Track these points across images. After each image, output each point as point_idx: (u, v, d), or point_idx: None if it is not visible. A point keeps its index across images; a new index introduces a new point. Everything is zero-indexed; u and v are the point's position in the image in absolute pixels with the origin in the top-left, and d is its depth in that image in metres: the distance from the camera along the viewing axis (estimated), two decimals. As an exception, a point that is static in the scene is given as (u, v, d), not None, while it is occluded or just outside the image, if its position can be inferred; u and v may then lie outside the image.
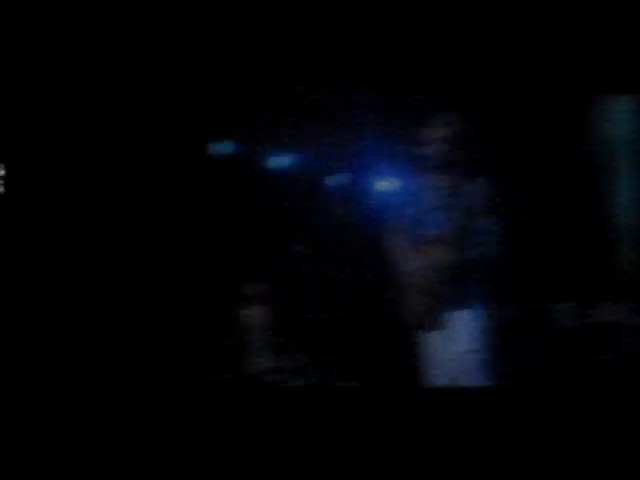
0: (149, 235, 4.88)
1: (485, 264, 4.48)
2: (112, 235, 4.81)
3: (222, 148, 4.96)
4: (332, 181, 4.93)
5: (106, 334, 4.71)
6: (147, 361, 4.74)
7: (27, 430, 4.62)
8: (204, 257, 4.91)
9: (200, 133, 4.96)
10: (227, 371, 4.86)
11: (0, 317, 4.67)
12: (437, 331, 4.56)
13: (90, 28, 4.74)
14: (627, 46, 4.50)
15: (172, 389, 4.75)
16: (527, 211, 4.79)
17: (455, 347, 4.52)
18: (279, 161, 4.99)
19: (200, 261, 4.92)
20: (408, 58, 4.59)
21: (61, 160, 4.80)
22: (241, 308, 5.01)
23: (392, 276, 4.69)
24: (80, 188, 4.77)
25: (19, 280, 4.71)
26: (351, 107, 4.86)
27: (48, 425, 4.63)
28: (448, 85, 4.54)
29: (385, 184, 4.84)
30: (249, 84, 4.88)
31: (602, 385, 4.69)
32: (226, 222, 4.95)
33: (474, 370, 4.52)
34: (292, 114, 4.90)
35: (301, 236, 4.85)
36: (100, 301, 4.75)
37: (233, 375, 4.87)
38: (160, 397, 4.73)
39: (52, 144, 4.81)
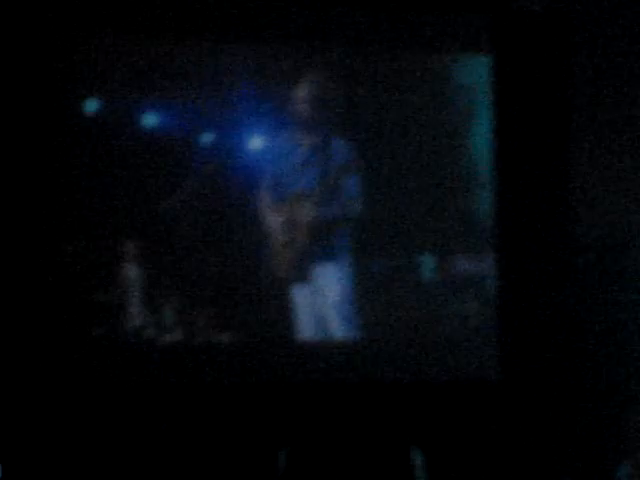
0: (21, 192, 4.86)
1: (349, 220, 4.63)
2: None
3: (85, 107, 4.93)
4: (199, 139, 4.96)
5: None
6: (21, 319, 4.75)
7: None
8: (76, 215, 4.92)
9: (62, 91, 4.93)
10: (100, 327, 4.90)
11: None
12: (304, 285, 4.70)
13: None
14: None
15: (47, 345, 4.77)
16: (386, 169, 4.94)
17: (321, 300, 4.67)
18: (145, 120, 4.98)
19: (72, 219, 4.92)
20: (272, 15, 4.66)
21: None
22: (114, 265, 5.02)
23: (261, 232, 4.80)
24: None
25: None
26: (218, 65, 4.89)
27: None
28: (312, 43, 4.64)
29: (252, 142, 4.91)
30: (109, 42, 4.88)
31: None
32: (95, 180, 4.96)
33: (339, 321, 4.68)
34: (156, 73, 4.89)
35: (169, 194, 4.88)
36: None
37: (106, 331, 4.90)
38: (35, 354, 4.75)
39: None
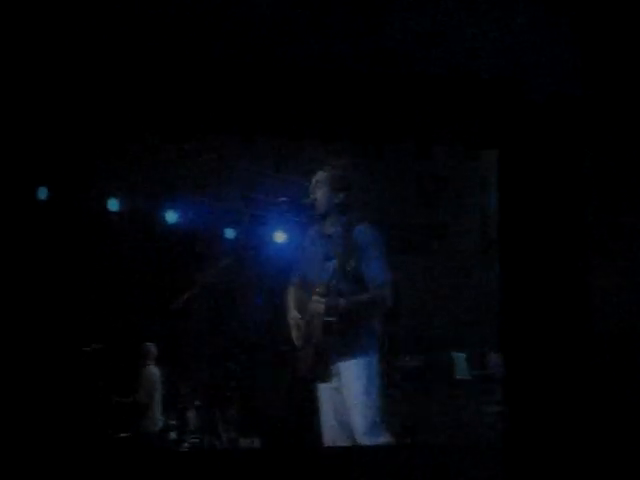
0: (45, 293, 4.82)
1: (378, 311, 4.38)
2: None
3: (113, 205, 4.94)
4: (222, 235, 4.89)
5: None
6: (44, 420, 4.65)
7: None
8: (98, 316, 4.86)
9: (93, 189, 4.95)
10: (124, 430, 4.78)
11: None
12: (332, 383, 4.45)
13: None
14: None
15: (70, 447, 4.65)
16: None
17: (349, 399, 4.40)
18: (170, 217, 4.95)
19: (95, 320, 4.86)
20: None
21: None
22: (138, 367, 4.92)
23: (285, 329, 4.62)
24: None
25: None
26: (238, 162, 4.86)
27: None
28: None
29: (276, 236, 4.83)
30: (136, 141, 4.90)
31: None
32: (118, 279, 4.92)
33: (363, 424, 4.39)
34: (181, 169, 4.88)
35: (193, 293, 4.78)
36: None
37: (130, 434, 4.78)
38: (58, 455, 4.63)
39: None
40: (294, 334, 4.35)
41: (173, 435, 4.85)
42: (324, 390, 4.32)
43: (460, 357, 4.79)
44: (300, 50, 4.72)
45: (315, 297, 4.18)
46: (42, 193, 4.95)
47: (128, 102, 4.89)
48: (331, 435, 4.32)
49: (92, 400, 4.73)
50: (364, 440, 4.16)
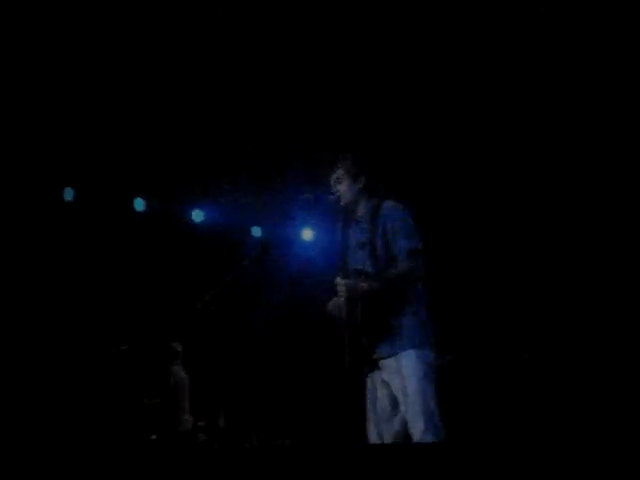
0: (71, 293, 4.82)
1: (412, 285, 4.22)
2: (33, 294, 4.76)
3: (139, 205, 4.90)
4: (251, 235, 4.83)
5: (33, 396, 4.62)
6: (75, 424, 4.63)
7: None
8: (125, 318, 4.83)
9: (118, 191, 4.94)
10: (154, 431, 4.71)
11: None
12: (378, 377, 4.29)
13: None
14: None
15: (101, 450, 4.61)
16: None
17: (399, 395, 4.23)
18: (196, 216, 4.90)
19: (122, 322, 4.83)
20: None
21: None
22: (166, 367, 4.85)
23: (326, 324, 4.52)
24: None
25: None
26: (265, 163, 4.80)
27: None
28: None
29: (304, 234, 4.76)
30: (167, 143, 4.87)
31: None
32: (147, 280, 4.87)
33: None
34: (208, 171, 4.84)
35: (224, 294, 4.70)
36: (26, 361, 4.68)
37: (162, 435, 4.71)
38: (90, 458, 4.59)
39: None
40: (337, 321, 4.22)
41: (202, 436, 4.77)
42: (370, 384, 4.18)
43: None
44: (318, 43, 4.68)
45: (337, 279, 4.11)
46: (68, 194, 4.96)
47: (154, 103, 4.89)
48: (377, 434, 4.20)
49: (121, 402, 4.69)
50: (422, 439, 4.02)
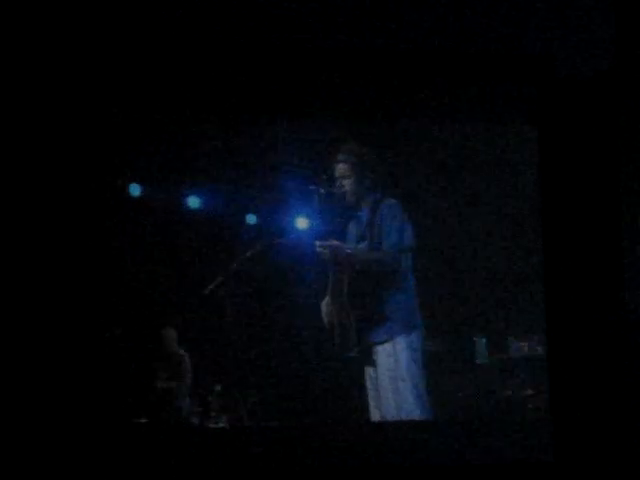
0: (71, 278, 4.83)
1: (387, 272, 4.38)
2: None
3: (134, 190, 4.93)
4: (246, 221, 4.90)
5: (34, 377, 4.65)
6: (73, 406, 4.67)
7: None
8: (123, 300, 4.87)
9: (113, 176, 4.95)
10: (152, 414, 4.79)
11: None
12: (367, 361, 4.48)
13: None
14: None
15: (98, 433, 4.68)
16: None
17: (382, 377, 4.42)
18: (192, 202, 4.95)
19: (121, 305, 4.87)
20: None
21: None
22: (163, 352, 4.94)
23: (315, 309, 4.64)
24: None
25: None
26: (263, 148, 4.86)
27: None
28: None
29: (299, 222, 4.84)
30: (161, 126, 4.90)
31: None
32: (144, 265, 4.91)
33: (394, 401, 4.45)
34: (204, 155, 4.88)
35: (219, 277, 4.79)
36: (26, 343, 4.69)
37: (157, 418, 4.79)
38: (86, 440, 4.66)
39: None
40: (324, 310, 4.37)
41: (195, 420, 4.87)
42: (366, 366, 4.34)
43: (480, 342, 4.86)
44: (326, 29, 4.74)
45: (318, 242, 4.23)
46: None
47: (150, 87, 4.90)
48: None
49: (128, 386, 4.75)
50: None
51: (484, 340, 4.86)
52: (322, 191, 4.45)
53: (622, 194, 4.82)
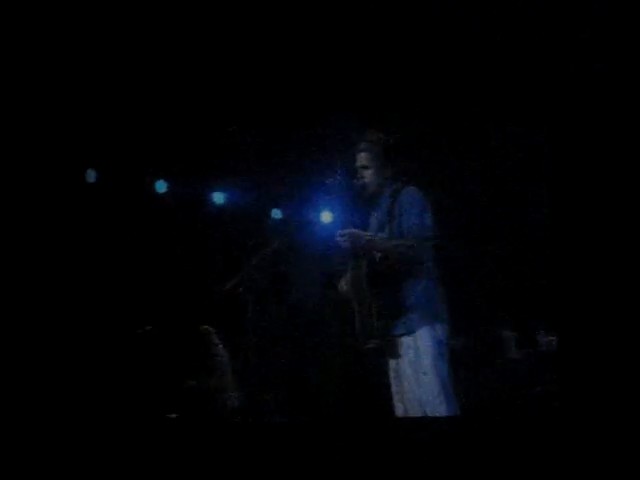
0: (93, 277, 4.87)
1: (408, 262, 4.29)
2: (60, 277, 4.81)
3: (161, 187, 4.97)
4: (269, 216, 4.90)
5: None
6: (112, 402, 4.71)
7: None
8: (156, 298, 4.91)
9: (139, 172, 5.00)
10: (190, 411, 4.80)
11: None
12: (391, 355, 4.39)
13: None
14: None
15: (134, 430, 4.70)
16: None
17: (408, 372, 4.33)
18: (217, 198, 4.98)
19: (145, 303, 4.91)
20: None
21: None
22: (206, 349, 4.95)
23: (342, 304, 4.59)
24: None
25: None
26: (285, 145, 4.86)
27: None
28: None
29: (324, 216, 4.82)
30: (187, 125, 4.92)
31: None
32: (167, 260, 4.95)
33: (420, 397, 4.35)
34: (228, 152, 4.90)
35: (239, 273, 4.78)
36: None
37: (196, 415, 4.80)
38: (124, 438, 4.68)
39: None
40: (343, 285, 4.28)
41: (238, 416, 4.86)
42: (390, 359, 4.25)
43: (508, 336, 4.78)
44: (351, 20, 4.71)
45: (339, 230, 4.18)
46: (91, 175, 5.02)
47: (173, 84, 4.93)
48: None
49: (164, 384, 4.77)
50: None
51: (512, 334, 4.79)
52: (342, 182, 4.40)
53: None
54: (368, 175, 4.42)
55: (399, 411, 4.33)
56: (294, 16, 4.73)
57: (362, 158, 4.38)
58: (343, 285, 4.34)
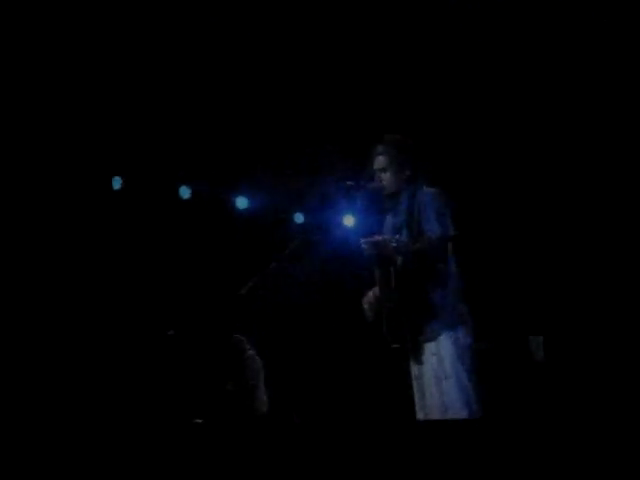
0: (119, 282, 4.93)
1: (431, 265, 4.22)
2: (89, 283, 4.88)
3: (184, 193, 5.00)
4: (291, 220, 4.89)
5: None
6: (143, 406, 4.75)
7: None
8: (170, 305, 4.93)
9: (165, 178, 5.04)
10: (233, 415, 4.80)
11: None
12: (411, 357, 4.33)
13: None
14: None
15: (162, 434, 4.71)
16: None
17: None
18: (240, 203, 4.98)
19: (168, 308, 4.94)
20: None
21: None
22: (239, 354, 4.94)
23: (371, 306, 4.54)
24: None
25: None
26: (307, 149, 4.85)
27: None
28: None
29: (346, 220, 4.79)
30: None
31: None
32: (192, 267, 4.97)
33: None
34: (252, 157, 4.91)
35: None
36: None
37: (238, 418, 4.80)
38: (153, 442, 4.70)
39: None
40: (366, 307, 4.26)
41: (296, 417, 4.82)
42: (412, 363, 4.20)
43: (536, 340, 4.67)
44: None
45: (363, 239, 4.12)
46: (116, 182, 5.07)
47: (197, 94, 4.96)
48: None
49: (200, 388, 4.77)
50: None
51: (540, 338, 4.68)
52: (361, 185, 4.35)
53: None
54: (386, 178, 4.37)
55: (420, 415, 4.27)
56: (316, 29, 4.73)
57: (380, 161, 4.33)
58: (366, 308, 4.31)
